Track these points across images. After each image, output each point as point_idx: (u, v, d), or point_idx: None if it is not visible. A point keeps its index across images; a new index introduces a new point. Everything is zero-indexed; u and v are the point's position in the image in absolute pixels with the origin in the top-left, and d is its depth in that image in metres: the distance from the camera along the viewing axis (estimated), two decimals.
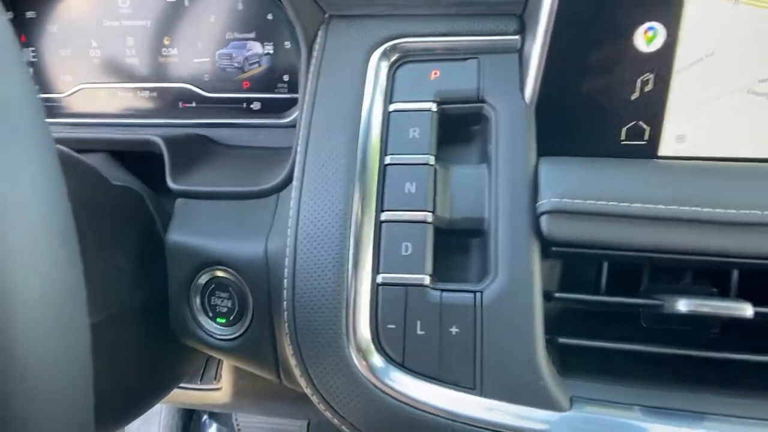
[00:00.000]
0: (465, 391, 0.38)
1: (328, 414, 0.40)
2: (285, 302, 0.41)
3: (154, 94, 0.70)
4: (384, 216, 0.41)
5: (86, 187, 0.46)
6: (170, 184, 0.53)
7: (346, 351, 0.39)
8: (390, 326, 0.39)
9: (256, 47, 0.66)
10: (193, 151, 0.61)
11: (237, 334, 0.48)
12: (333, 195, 0.42)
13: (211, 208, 0.52)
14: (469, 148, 0.44)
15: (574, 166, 0.39)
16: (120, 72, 0.70)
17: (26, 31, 0.70)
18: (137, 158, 0.59)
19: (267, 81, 0.67)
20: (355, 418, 0.39)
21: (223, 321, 0.49)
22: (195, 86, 0.69)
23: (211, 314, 0.49)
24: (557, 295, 0.39)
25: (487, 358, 0.37)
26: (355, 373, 0.39)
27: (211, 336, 0.49)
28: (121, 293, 0.47)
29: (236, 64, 0.68)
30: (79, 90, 0.72)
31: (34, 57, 0.71)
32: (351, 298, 0.40)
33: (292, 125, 0.64)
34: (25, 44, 0.71)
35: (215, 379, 0.69)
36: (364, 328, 0.40)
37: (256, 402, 0.69)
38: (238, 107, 0.69)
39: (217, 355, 0.51)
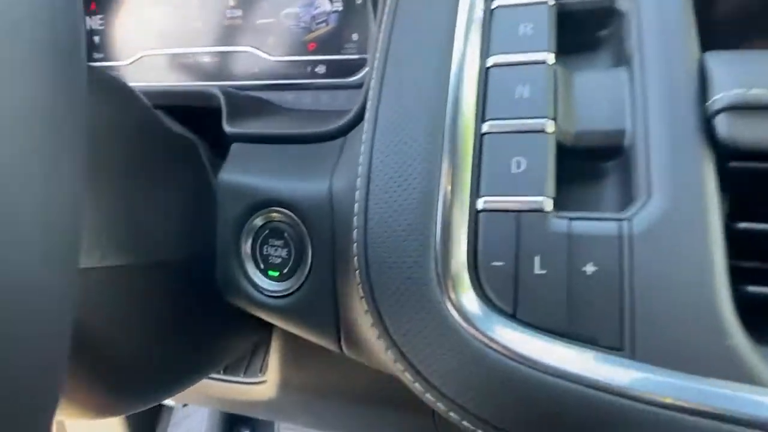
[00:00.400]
0: (607, 352, 0.27)
1: (407, 375, 0.30)
2: (355, 231, 0.33)
3: (216, 59, 0.66)
4: (486, 126, 0.32)
5: (140, 122, 0.41)
6: (226, 127, 0.47)
7: (434, 294, 0.30)
8: (496, 263, 0.29)
9: (325, 4, 0.61)
10: (251, 104, 0.56)
11: (291, 289, 0.40)
12: (418, 104, 0.33)
13: (270, 151, 0.45)
14: (597, 54, 0.35)
15: (755, 57, 0.29)
16: (183, 37, 0.67)
17: None
18: (192, 119, 0.53)
19: (334, 41, 0.61)
20: (444, 380, 0.29)
21: (276, 274, 0.41)
22: (258, 49, 0.64)
23: (262, 266, 0.41)
24: (742, 225, 0.28)
25: (640, 307, 0.27)
26: (448, 323, 0.29)
27: (262, 292, 0.41)
28: (166, 241, 0.40)
29: (303, 24, 0.63)
30: (141, 58, 0.69)
31: (101, 24, 0.70)
32: (443, 228, 0.31)
33: (359, 85, 0.57)
34: (94, 11, 0.70)
35: (261, 371, 0.61)
36: (459, 267, 0.30)
37: (305, 403, 0.59)
38: (302, 72, 0.63)
39: (267, 317, 0.42)
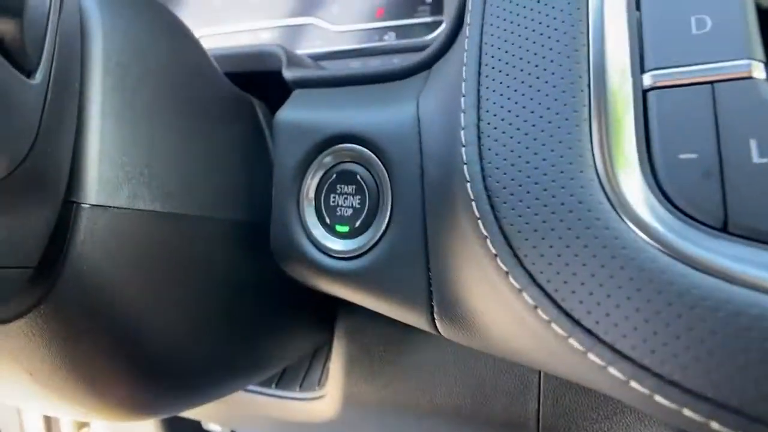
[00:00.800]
0: None
1: (556, 329, 0.20)
2: (464, 149, 0.24)
3: (276, 33, 0.60)
4: None
5: (198, 68, 0.35)
6: (285, 73, 0.40)
7: (597, 211, 0.20)
8: (685, 156, 0.20)
9: None
10: (313, 63, 0.49)
11: (366, 247, 0.31)
12: None
13: (339, 93, 0.37)
14: None
15: None
16: (241, 13, 0.62)
17: None
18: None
19: (405, 5, 0.54)
20: (628, 336, 0.18)
21: (345, 230, 0.32)
22: (322, 19, 0.58)
23: (328, 221, 0.32)
24: None
25: None
26: (623, 251, 0.19)
27: (327, 253, 0.32)
28: (213, 194, 0.32)
29: None
30: (201, 37, 0.65)
31: None
32: (597, 121, 0.21)
33: None
34: None
35: (318, 384, 0.50)
36: (628, 169, 0.20)
37: (373, 421, 0.48)
38: (369, 41, 0.56)
39: (333, 287, 0.33)
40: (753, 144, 0.19)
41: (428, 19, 0.53)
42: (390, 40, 0.55)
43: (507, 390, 0.42)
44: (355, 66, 0.55)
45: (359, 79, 0.38)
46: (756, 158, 0.19)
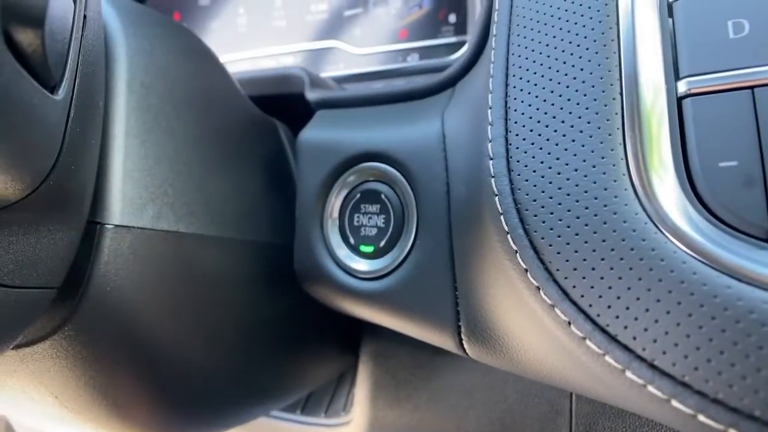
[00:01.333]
0: None
1: (590, 346, 0.19)
2: (492, 163, 0.23)
3: (300, 58, 0.61)
4: None
5: (221, 91, 0.36)
6: (308, 94, 0.40)
7: (633, 222, 0.19)
8: (725, 164, 0.19)
9: None
10: (335, 85, 0.49)
11: (391, 267, 0.30)
12: None
13: (362, 113, 0.37)
14: None
15: None
16: (265, 38, 0.63)
17: (179, 7, 0.67)
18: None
19: (429, 26, 0.55)
20: (665, 350, 0.17)
21: (370, 250, 0.31)
22: (345, 42, 0.58)
23: (352, 241, 0.32)
24: None
25: None
26: (659, 263, 0.18)
27: (352, 274, 0.31)
28: (236, 216, 0.32)
29: (393, 11, 0.57)
30: (225, 64, 0.67)
31: None
32: (631, 129, 0.20)
33: None
34: (179, 21, 0.69)
35: (344, 409, 0.49)
36: (665, 179, 0.19)
37: None
38: (393, 63, 0.57)
39: (357, 308, 0.32)
40: None
41: (452, 39, 0.53)
42: (413, 61, 0.55)
43: (537, 416, 0.41)
44: (378, 87, 0.55)
45: (382, 99, 0.37)
46: None
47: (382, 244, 0.31)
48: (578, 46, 0.23)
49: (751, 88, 0.19)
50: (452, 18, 0.54)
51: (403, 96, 0.36)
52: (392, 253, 0.30)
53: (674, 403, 0.17)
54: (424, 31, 0.55)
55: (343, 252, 0.32)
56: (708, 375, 0.16)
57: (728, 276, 0.17)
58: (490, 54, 0.27)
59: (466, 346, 0.28)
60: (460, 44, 0.53)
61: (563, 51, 0.23)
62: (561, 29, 0.24)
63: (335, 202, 0.32)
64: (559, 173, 0.21)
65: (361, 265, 0.31)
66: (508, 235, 0.22)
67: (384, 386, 0.47)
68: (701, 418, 0.16)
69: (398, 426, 0.46)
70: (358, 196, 0.32)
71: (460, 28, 0.53)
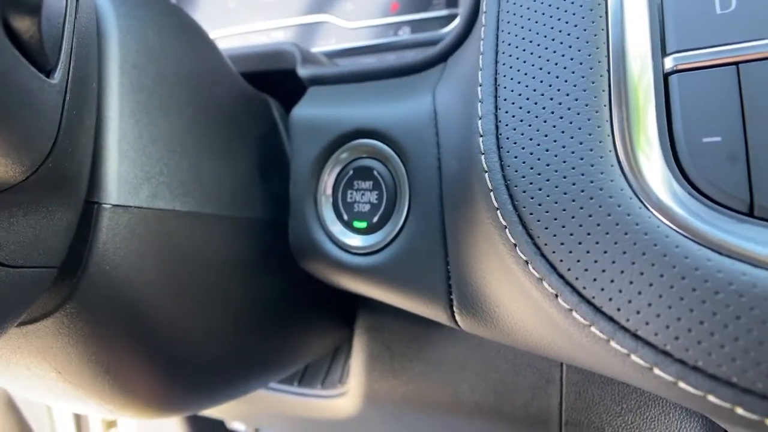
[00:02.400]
0: None
1: (576, 317, 0.20)
2: (482, 140, 0.23)
3: (290, 32, 0.60)
4: None
5: (212, 68, 0.35)
6: (300, 70, 0.40)
7: (619, 197, 0.20)
8: (709, 139, 0.19)
9: None
10: (326, 61, 0.49)
11: (384, 242, 0.30)
12: None
13: (354, 89, 0.37)
14: None
15: None
16: (255, 13, 0.62)
17: None
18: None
19: None
20: (650, 321, 0.18)
21: (363, 226, 0.32)
22: (336, 16, 0.58)
23: (346, 217, 0.32)
24: None
25: None
26: (645, 237, 0.19)
27: (346, 249, 0.32)
28: (231, 193, 0.33)
29: None
30: (215, 40, 0.66)
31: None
32: (617, 106, 0.21)
33: None
34: None
35: (340, 381, 0.51)
36: (651, 154, 0.20)
37: (395, 417, 0.48)
38: (384, 36, 0.56)
39: (351, 283, 0.33)
40: None
41: (444, 12, 0.53)
42: (405, 34, 0.55)
43: (529, 385, 0.42)
44: (370, 62, 0.55)
45: (374, 74, 0.37)
46: None
47: (375, 219, 0.31)
48: (567, 22, 0.23)
49: (736, 64, 0.20)
50: None
51: (395, 72, 0.36)
52: (385, 229, 0.31)
53: (656, 371, 0.18)
54: (415, 4, 0.54)
55: (337, 228, 0.32)
56: (688, 344, 0.17)
57: (709, 249, 0.17)
58: (480, 30, 0.27)
59: (458, 318, 0.28)
60: (452, 17, 0.53)
61: (552, 28, 0.24)
62: (550, 5, 0.24)
63: (328, 179, 0.33)
64: (547, 150, 0.22)
65: (354, 240, 0.32)
66: (498, 211, 0.22)
67: (379, 358, 0.48)
68: (682, 384, 0.17)
69: (393, 396, 0.47)
70: (351, 172, 0.32)
71: (451, 0, 0.53)
